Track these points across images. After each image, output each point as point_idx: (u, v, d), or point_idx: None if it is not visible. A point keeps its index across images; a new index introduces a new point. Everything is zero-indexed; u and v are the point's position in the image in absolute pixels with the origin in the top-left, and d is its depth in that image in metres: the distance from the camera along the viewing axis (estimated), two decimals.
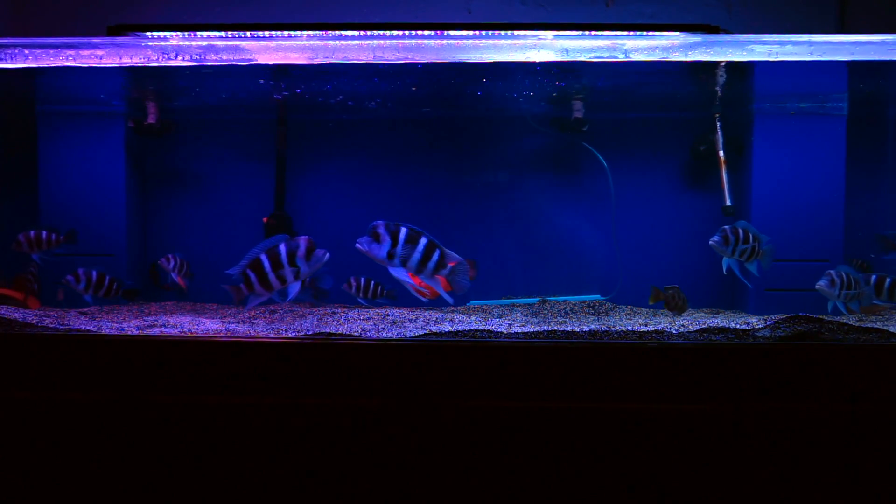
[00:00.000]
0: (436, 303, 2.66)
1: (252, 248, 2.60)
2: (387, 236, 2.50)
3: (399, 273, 2.54)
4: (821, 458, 2.26)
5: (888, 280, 3.17)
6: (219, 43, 2.97)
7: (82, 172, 3.72)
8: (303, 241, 2.60)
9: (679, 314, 3.27)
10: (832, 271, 3.05)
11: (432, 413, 2.31)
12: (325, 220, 3.95)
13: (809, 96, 3.49)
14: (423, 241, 2.51)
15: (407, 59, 2.89)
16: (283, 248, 2.59)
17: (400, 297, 3.54)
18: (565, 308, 3.47)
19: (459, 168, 3.95)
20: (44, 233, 3.40)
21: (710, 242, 3.09)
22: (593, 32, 3.09)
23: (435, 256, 2.51)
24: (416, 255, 2.50)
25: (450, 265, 2.53)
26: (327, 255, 2.63)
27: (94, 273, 3.33)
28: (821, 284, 3.05)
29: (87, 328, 2.68)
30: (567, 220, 3.92)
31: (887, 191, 3.81)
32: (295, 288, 2.63)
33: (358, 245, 2.52)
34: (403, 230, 2.51)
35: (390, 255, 2.50)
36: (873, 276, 3.18)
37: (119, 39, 3.08)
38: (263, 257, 2.58)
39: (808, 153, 3.55)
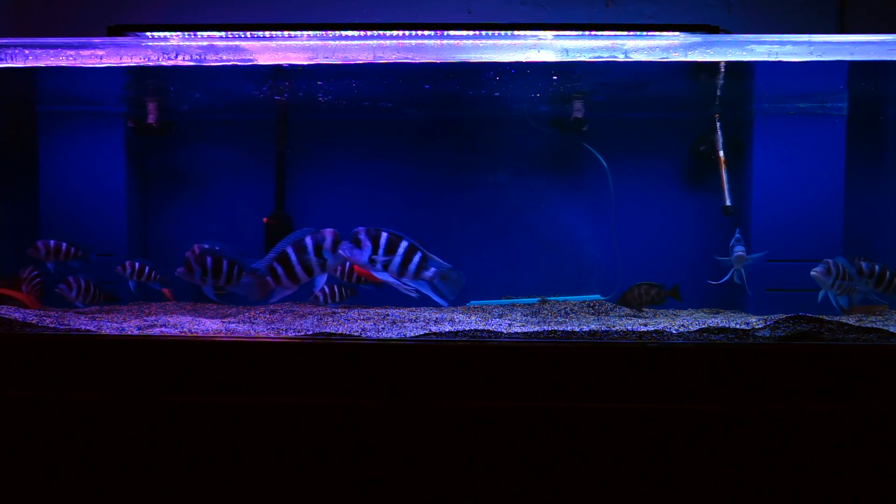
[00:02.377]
0: (425, 302, 2.68)
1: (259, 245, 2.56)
2: (368, 242, 2.54)
3: (383, 276, 2.57)
4: (821, 458, 2.26)
5: (888, 272, 3.19)
6: (219, 43, 2.97)
7: (82, 172, 3.72)
8: (329, 233, 2.63)
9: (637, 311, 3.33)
10: (830, 260, 3.06)
11: (432, 413, 2.31)
12: (325, 220, 3.95)
13: (809, 96, 3.48)
14: (404, 244, 2.55)
15: (407, 59, 2.89)
16: (309, 240, 2.61)
17: (391, 297, 3.54)
18: (565, 308, 3.47)
19: (459, 168, 3.95)
20: (63, 244, 3.42)
21: (738, 253, 3.31)
22: (593, 32, 3.09)
23: (416, 259, 2.54)
24: (398, 259, 2.53)
25: (433, 268, 2.56)
26: (354, 248, 2.66)
27: (83, 280, 3.35)
28: (816, 271, 3.06)
29: (87, 328, 2.68)
30: (567, 220, 3.93)
31: (887, 191, 3.81)
32: (322, 280, 2.65)
33: (340, 251, 2.56)
34: (384, 235, 2.55)
35: (372, 261, 2.54)
36: (877, 267, 3.19)
37: (119, 39, 3.08)
38: (290, 250, 2.61)
39: (808, 153, 3.55)
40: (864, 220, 3.73)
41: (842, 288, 3.08)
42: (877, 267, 3.19)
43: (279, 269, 2.60)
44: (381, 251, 2.54)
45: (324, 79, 3.28)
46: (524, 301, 3.75)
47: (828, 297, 3.12)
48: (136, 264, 3.44)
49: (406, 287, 2.60)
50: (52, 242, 3.41)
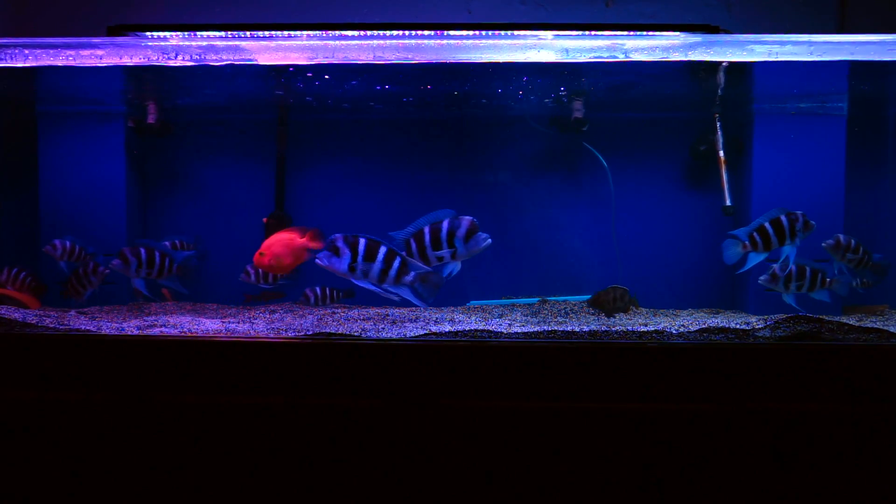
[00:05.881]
0: (406, 304, 2.69)
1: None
2: (346, 249, 2.54)
3: (363, 283, 2.58)
4: (821, 458, 2.26)
5: (861, 248, 3.21)
6: (219, 43, 2.97)
7: (82, 172, 3.72)
8: (465, 220, 2.63)
9: (610, 315, 3.30)
10: (775, 265, 3.08)
11: (432, 413, 2.31)
12: (325, 220, 3.95)
13: (809, 96, 3.48)
14: (383, 250, 2.55)
15: (407, 59, 2.89)
16: (445, 224, 2.63)
17: (368, 297, 3.56)
18: (565, 308, 3.47)
19: (459, 168, 3.95)
20: (77, 246, 3.46)
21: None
22: (593, 32, 3.09)
23: (395, 264, 2.55)
24: (378, 266, 2.54)
25: (413, 273, 2.57)
26: (488, 239, 2.66)
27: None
28: (762, 280, 3.10)
29: (87, 328, 2.68)
30: (567, 220, 3.92)
31: (887, 191, 3.81)
32: (449, 268, 2.67)
33: (318, 260, 2.56)
34: (362, 241, 2.55)
35: (351, 268, 2.54)
36: (853, 241, 3.20)
37: (119, 39, 3.07)
38: (427, 231, 2.62)
39: (808, 153, 3.55)
40: (864, 220, 3.73)
41: (800, 287, 3.07)
42: (853, 241, 3.19)
43: (413, 247, 2.61)
44: (360, 258, 2.54)
45: (324, 78, 3.28)
46: (524, 301, 3.75)
47: (805, 298, 3.14)
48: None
49: (387, 293, 2.60)
50: (67, 242, 3.44)
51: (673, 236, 3.89)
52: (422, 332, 2.62)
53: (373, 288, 2.59)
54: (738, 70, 3.12)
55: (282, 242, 3.43)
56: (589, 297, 3.62)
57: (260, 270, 3.55)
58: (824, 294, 3.11)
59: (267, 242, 3.44)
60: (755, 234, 3.02)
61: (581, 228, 3.92)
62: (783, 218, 3.00)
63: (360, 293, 3.69)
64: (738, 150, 3.72)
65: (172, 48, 2.92)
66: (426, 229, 2.65)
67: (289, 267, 3.47)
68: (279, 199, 3.90)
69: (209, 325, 2.82)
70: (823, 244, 3.20)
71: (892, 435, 2.26)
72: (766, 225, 3.00)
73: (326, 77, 3.24)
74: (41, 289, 3.51)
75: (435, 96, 3.60)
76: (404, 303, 2.63)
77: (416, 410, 2.31)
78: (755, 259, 3.06)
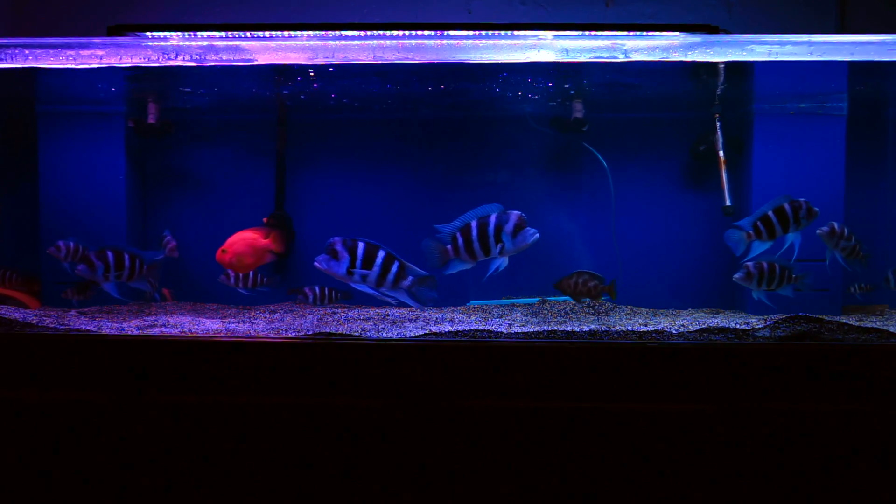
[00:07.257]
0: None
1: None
2: (345, 253, 2.55)
3: (361, 287, 2.58)
4: (821, 457, 2.26)
5: (853, 236, 3.24)
6: (219, 43, 2.97)
7: (82, 172, 3.72)
8: (513, 215, 2.61)
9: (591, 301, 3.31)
10: (749, 263, 3.10)
11: (432, 413, 2.31)
12: (325, 220, 3.95)
13: (809, 96, 3.48)
14: (382, 254, 2.55)
15: (407, 59, 2.89)
16: (493, 219, 2.60)
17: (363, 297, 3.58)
18: (565, 308, 3.47)
19: (459, 168, 3.95)
20: (81, 246, 3.46)
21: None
22: (593, 32, 3.09)
23: (394, 269, 2.55)
24: (376, 270, 2.54)
25: (410, 277, 2.57)
26: (536, 234, 2.64)
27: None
28: (737, 277, 3.12)
29: (87, 328, 2.68)
30: (567, 219, 3.92)
31: (887, 191, 3.81)
32: (496, 263, 2.65)
33: (316, 263, 2.56)
34: (361, 245, 2.55)
35: (349, 272, 2.54)
36: (846, 230, 3.23)
37: (119, 39, 3.08)
38: (474, 225, 2.59)
39: (808, 153, 3.55)
40: (863, 219, 3.73)
41: (770, 284, 3.09)
42: (846, 230, 3.20)
43: (460, 241, 2.60)
44: (358, 262, 2.54)
45: (324, 79, 3.28)
46: (524, 301, 3.74)
47: (774, 295, 3.16)
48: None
49: (384, 297, 2.60)
50: (71, 243, 3.44)
51: (673, 236, 3.89)
52: (422, 332, 2.62)
53: (371, 292, 2.59)
54: (738, 70, 3.12)
55: (245, 241, 3.41)
56: (587, 299, 3.62)
57: (240, 274, 3.53)
58: (788, 290, 3.12)
59: (230, 240, 3.41)
60: (759, 223, 3.05)
61: (581, 228, 3.92)
62: (787, 206, 3.03)
63: (358, 293, 3.70)
64: (738, 150, 3.72)
65: (172, 48, 2.92)
66: (473, 224, 2.62)
67: (249, 266, 3.44)
68: (279, 199, 3.90)
69: (209, 325, 2.82)
70: (818, 231, 3.21)
71: (892, 435, 2.26)
72: (770, 213, 3.03)
73: (326, 77, 3.24)
74: (31, 281, 3.50)
75: (434, 96, 3.60)
76: (402, 306, 2.63)
77: (416, 410, 2.31)
78: (760, 248, 3.09)
